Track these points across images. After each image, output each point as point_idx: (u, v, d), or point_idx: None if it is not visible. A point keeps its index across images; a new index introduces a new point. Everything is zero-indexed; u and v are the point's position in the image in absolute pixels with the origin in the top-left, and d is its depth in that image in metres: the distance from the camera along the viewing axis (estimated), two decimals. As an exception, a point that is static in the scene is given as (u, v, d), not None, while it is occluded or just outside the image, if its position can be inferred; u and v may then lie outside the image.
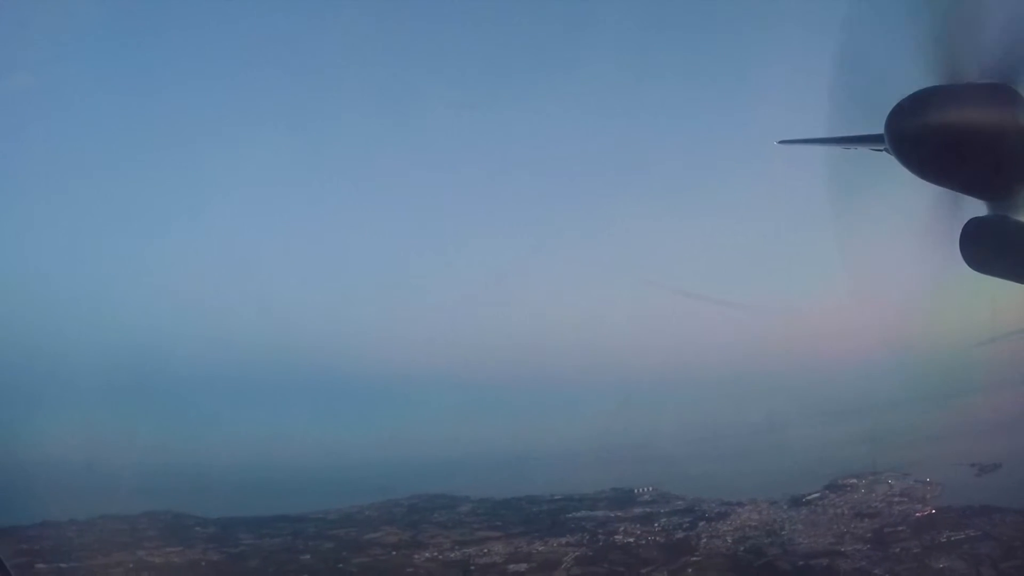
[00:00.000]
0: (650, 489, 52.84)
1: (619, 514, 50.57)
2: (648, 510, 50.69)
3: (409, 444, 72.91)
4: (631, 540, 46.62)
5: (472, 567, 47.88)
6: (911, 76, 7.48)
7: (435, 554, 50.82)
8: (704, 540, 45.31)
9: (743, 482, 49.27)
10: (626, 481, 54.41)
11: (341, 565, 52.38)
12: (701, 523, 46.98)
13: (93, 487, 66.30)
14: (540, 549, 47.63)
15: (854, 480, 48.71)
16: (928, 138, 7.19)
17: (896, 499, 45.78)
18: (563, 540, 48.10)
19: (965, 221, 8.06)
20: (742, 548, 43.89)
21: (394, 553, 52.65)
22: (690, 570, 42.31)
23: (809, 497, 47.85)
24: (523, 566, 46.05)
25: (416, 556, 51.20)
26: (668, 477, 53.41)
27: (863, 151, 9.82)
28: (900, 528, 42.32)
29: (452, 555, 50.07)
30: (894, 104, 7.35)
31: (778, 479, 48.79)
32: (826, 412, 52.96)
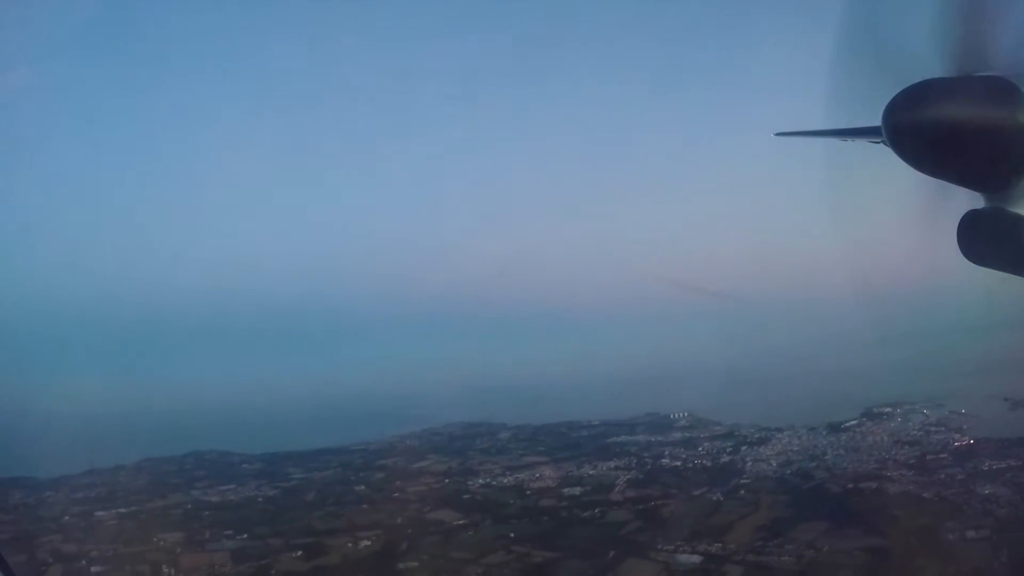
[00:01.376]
0: (685, 415, 55.73)
1: (659, 439, 53.13)
2: (688, 435, 53.11)
3: (437, 375, 76.25)
4: (678, 464, 48.79)
5: (527, 492, 50.16)
6: (909, 68, 7.56)
7: (488, 480, 53.23)
8: (749, 464, 47.28)
9: (776, 409, 51.60)
10: (659, 407, 58.04)
11: (397, 494, 53.77)
12: (743, 448, 49.27)
13: (127, 433, 68.24)
14: (591, 473, 49.94)
15: (888, 409, 50.68)
16: (925, 131, 7.28)
17: (933, 428, 47.54)
18: (611, 464, 50.41)
19: (962, 214, 8.16)
20: (788, 472, 45.71)
21: (447, 481, 54.71)
22: (742, 492, 44.13)
23: (847, 424, 49.75)
24: (577, 489, 48.26)
25: (470, 483, 53.46)
26: (700, 403, 56.19)
27: (861, 143, 9.99)
28: (942, 456, 44.01)
29: (505, 480, 52.36)
30: (891, 97, 7.43)
31: (806, 406, 51.32)
32: (855, 342, 53.75)
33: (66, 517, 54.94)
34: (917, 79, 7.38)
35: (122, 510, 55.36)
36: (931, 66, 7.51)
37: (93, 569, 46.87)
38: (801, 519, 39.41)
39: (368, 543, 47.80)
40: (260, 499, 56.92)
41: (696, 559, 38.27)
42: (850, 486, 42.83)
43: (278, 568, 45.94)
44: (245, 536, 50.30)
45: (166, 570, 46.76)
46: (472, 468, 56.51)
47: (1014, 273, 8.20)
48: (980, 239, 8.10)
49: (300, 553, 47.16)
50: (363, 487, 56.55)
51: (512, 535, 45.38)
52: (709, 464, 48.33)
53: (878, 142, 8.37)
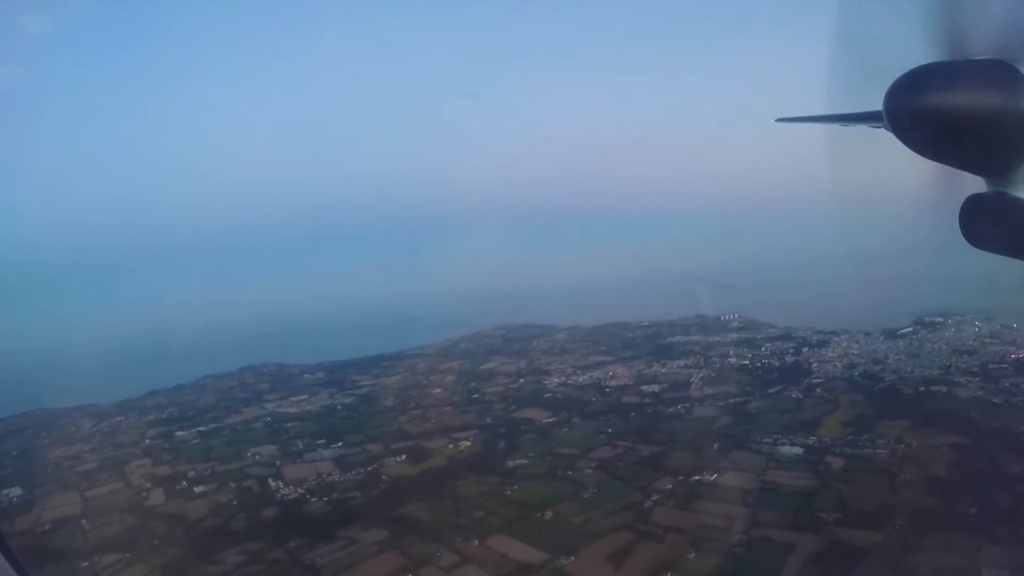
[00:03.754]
0: (736, 316, 59.97)
1: (717, 339, 57.03)
2: (745, 336, 56.91)
3: (466, 281, 78.37)
4: (745, 363, 52.34)
5: (607, 389, 53.03)
6: (910, 52, 7.36)
7: (563, 379, 56.39)
8: (815, 365, 50.67)
9: (827, 313, 55.56)
10: (702, 308, 62.26)
11: (476, 395, 56.80)
12: (805, 349, 52.83)
13: (174, 352, 68.00)
14: (663, 371, 53.65)
15: (940, 319, 53.65)
16: (926, 116, 7.13)
17: (988, 340, 50.24)
18: (680, 363, 53.94)
19: (964, 198, 8.02)
20: (856, 373, 49.04)
21: (522, 381, 58.20)
22: (818, 391, 47.40)
23: (902, 331, 52.82)
24: (655, 387, 51.67)
25: (545, 382, 56.74)
26: (744, 306, 61.08)
27: (862, 128, 9.86)
28: (1003, 366, 46.22)
29: (580, 379, 55.51)
30: (892, 81, 7.28)
31: (855, 311, 54.14)
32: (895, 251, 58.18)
33: (147, 440, 54.99)
34: (918, 63, 7.32)
35: (202, 428, 56.59)
36: (933, 49, 7.40)
37: (196, 489, 47.11)
38: (883, 417, 43.75)
39: (468, 443, 49.53)
40: (339, 407, 58.58)
41: (798, 450, 42.62)
42: (921, 389, 46.10)
43: (388, 473, 46.75)
44: (340, 444, 51.22)
45: (273, 484, 47.04)
46: (541, 368, 59.89)
47: (1016, 257, 8.14)
48: (982, 223, 8.04)
49: (404, 457, 48.27)
50: (439, 390, 58.52)
51: (609, 431, 47.84)
52: (776, 364, 52.05)
53: (879, 127, 8.35)
